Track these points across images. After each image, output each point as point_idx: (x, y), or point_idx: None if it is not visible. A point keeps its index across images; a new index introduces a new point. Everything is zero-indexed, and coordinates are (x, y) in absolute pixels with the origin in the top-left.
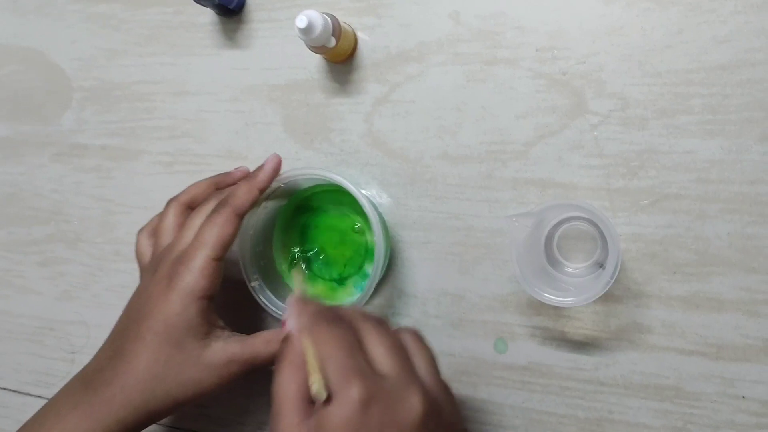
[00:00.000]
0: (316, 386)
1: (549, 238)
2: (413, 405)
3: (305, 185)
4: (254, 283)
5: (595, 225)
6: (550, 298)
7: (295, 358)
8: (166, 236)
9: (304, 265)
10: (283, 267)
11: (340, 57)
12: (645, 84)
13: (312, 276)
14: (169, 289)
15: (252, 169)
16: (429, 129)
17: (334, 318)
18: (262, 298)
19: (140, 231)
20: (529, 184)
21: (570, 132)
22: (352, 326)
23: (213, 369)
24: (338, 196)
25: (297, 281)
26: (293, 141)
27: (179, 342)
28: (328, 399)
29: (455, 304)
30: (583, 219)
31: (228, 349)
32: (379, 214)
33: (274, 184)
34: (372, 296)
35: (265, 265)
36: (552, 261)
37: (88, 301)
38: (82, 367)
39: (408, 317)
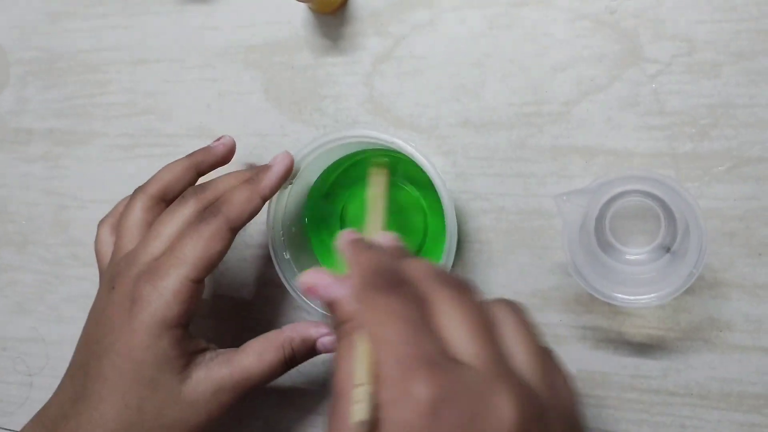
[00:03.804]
0: (359, 412)
1: (600, 219)
2: (502, 409)
3: (330, 161)
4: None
5: (658, 199)
6: (622, 297)
7: (353, 332)
8: (129, 237)
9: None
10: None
11: (330, 6)
12: (716, 20)
13: None
14: (133, 316)
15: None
16: (444, 90)
17: (396, 283)
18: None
19: (102, 221)
20: (573, 153)
21: (622, 86)
22: (420, 293)
23: (198, 405)
24: (364, 170)
25: (375, 188)
26: (277, 112)
27: (152, 380)
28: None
29: None
30: (641, 192)
31: (212, 376)
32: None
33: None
34: None
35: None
36: (604, 246)
37: (45, 315)
38: (41, 391)
39: None
